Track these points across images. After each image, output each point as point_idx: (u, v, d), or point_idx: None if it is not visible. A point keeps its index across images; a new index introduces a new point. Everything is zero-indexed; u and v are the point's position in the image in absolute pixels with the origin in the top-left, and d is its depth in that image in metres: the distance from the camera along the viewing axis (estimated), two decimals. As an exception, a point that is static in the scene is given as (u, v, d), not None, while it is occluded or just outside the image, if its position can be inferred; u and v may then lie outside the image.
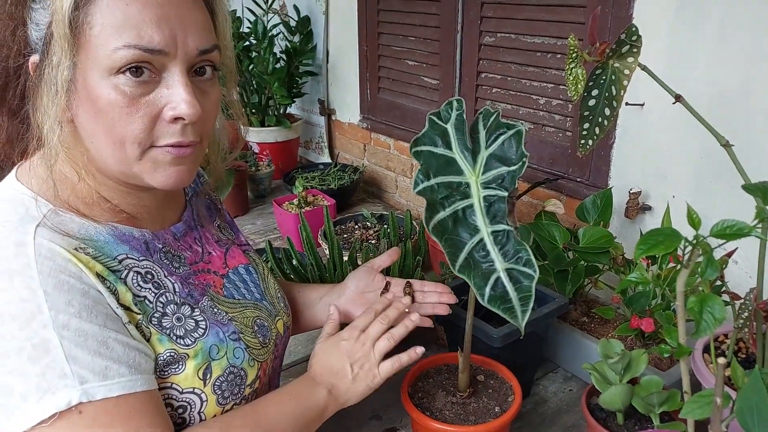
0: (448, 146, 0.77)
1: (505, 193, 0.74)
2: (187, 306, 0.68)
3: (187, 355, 0.65)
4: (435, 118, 0.78)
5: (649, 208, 1.29)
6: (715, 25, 1.10)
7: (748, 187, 0.70)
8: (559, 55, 1.41)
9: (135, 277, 0.64)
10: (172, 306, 0.67)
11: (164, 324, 0.65)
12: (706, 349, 0.89)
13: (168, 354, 0.64)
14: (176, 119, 0.61)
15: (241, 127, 0.81)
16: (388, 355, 0.81)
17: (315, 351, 0.82)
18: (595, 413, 0.86)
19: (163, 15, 0.58)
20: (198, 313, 0.69)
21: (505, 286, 0.71)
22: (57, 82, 0.57)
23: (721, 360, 0.56)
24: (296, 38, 2.28)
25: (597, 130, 0.76)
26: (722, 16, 1.09)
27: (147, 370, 0.61)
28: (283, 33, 2.29)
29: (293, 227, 1.67)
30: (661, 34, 1.18)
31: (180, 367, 0.65)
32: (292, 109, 2.51)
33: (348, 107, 2.25)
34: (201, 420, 0.67)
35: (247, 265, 0.83)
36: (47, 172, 0.62)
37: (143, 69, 0.58)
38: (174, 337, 0.65)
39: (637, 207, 1.28)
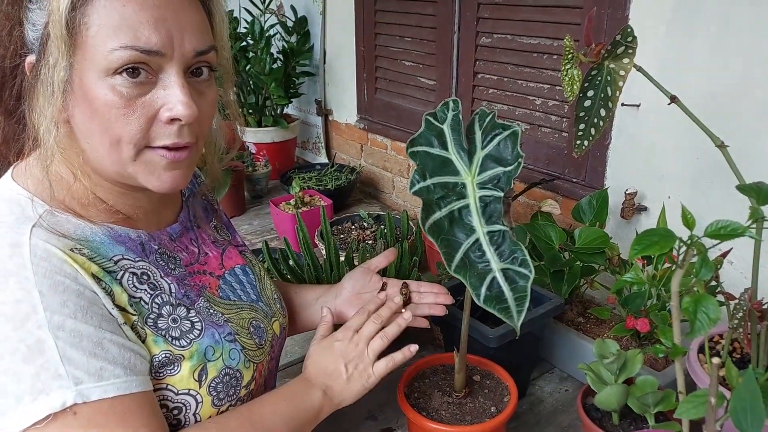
0: (444, 147, 0.77)
1: (501, 194, 0.74)
2: (182, 307, 0.68)
3: (183, 356, 0.65)
4: (431, 119, 0.78)
5: (645, 208, 1.30)
6: (710, 26, 1.11)
7: (743, 188, 0.70)
8: (555, 56, 1.42)
9: (130, 278, 0.64)
10: (167, 307, 0.67)
11: (160, 325, 0.65)
12: (701, 350, 0.90)
13: (163, 355, 0.64)
14: (173, 120, 0.61)
15: (238, 127, 0.81)
16: (382, 355, 0.81)
17: (309, 353, 0.82)
18: (590, 413, 0.87)
19: (160, 16, 0.58)
20: (194, 315, 0.69)
21: (500, 286, 0.71)
22: (53, 82, 0.57)
23: (716, 360, 0.56)
24: (293, 38, 2.28)
25: (593, 130, 0.76)
26: (717, 17, 1.09)
27: (142, 371, 0.61)
28: (280, 33, 2.29)
29: (290, 228, 1.67)
30: (656, 35, 1.19)
31: (175, 368, 0.65)
32: (289, 110, 2.51)
33: (345, 107, 2.25)
34: (196, 421, 0.66)
35: (244, 266, 0.83)
36: (43, 172, 0.62)
37: (140, 70, 0.58)
38: (169, 339, 0.65)
39: (632, 207, 1.28)
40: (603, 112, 0.76)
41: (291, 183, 1.83)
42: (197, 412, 0.66)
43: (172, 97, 0.60)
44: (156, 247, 0.70)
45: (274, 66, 2.21)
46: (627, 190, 1.29)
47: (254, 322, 0.77)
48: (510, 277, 0.71)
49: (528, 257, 0.71)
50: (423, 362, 0.95)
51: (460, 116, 0.78)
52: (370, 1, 1.95)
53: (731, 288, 0.89)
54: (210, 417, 0.67)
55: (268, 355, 0.79)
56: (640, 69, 0.74)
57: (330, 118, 2.37)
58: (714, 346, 0.91)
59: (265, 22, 2.26)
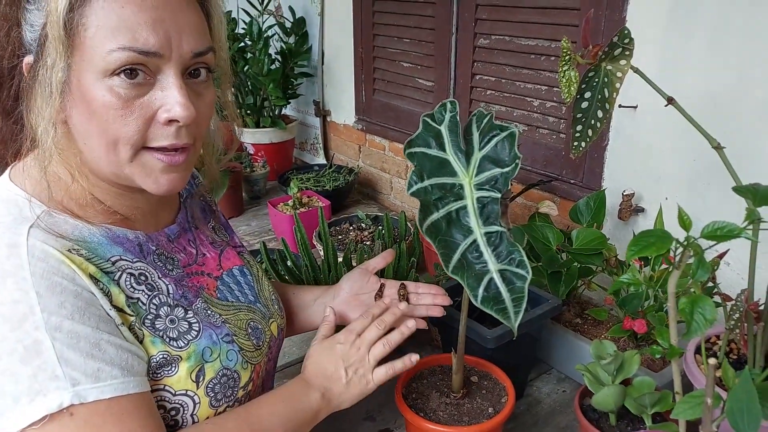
0: (442, 148, 0.77)
1: (498, 195, 0.74)
2: (180, 308, 0.68)
3: (180, 357, 0.65)
4: (429, 120, 0.79)
5: (642, 209, 1.30)
6: (707, 27, 1.11)
7: (739, 189, 0.71)
8: (553, 58, 1.42)
9: (128, 279, 0.64)
10: (165, 308, 0.67)
11: (157, 326, 0.65)
12: (698, 350, 0.90)
13: (161, 356, 0.64)
14: (170, 121, 0.61)
15: (236, 128, 0.81)
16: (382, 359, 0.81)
17: (310, 353, 0.82)
18: (587, 414, 0.87)
19: (158, 17, 0.58)
20: (191, 315, 0.69)
21: (498, 287, 0.71)
22: (51, 83, 0.57)
23: (712, 361, 0.57)
24: (291, 39, 2.28)
25: (590, 132, 0.76)
26: (714, 19, 1.10)
27: (139, 372, 0.61)
28: (278, 34, 2.29)
29: (288, 228, 1.67)
30: (653, 37, 1.19)
31: (173, 369, 0.65)
32: (287, 111, 2.51)
33: (343, 108, 2.25)
34: (194, 422, 0.66)
35: (242, 267, 0.83)
36: (41, 173, 0.62)
37: (138, 71, 0.58)
38: (167, 339, 0.65)
39: (630, 209, 1.29)
40: (600, 114, 0.76)
41: (289, 184, 1.83)
42: (195, 413, 0.66)
43: (169, 98, 0.60)
44: (154, 247, 0.70)
45: (273, 67, 2.21)
46: (624, 191, 1.29)
47: (252, 323, 0.77)
48: (507, 278, 0.71)
49: (525, 258, 0.71)
50: (421, 363, 0.95)
51: (458, 117, 0.78)
52: (369, 2, 1.95)
53: (728, 289, 0.89)
54: (207, 418, 0.67)
55: (266, 356, 0.79)
56: (637, 70, 0.75)
57: (328, 119, 2.37)
58: (711, 347, 0.91)
59: (264, 23, 2.26)
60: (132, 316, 0.63)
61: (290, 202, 1.78)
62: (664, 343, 0.90)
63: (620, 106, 1.27)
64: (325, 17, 2.22)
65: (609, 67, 0.75)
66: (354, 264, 1.16)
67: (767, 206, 0.69)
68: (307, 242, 1.21)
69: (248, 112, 2.26)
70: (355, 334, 0.81)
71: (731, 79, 1.09)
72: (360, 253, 1.19)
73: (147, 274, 0.67)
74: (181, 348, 0.66)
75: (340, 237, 1.63)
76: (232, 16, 2.39)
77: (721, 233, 0.63)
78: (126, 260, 0.65)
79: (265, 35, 2.20)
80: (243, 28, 2.23)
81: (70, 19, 0.56)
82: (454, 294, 0.98)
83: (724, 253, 0.89)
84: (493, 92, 1.60)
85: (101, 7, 0.56)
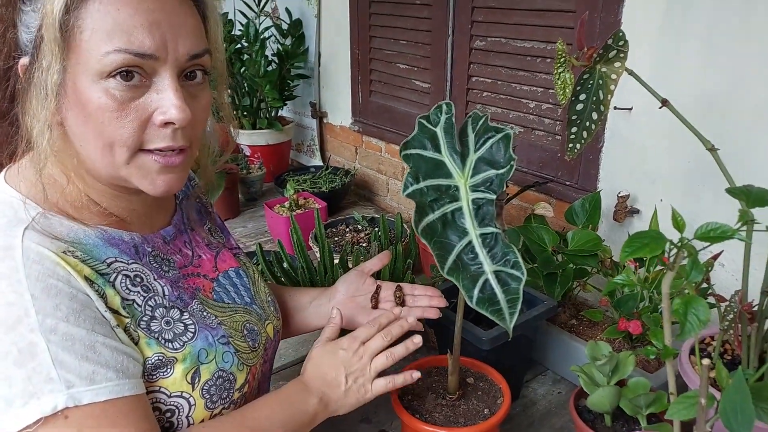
0: (438, 149, 0.78)
1: (494, 196, 0.74)
2: (176, 309, 0.68)
3: (176, 358, 0.65)
4: (424, 122, 0.79)
5: (638, 211, 1.31)
6: (701, 30, 1.12)
7: (732, 191, 0.71)
8: (548, 60, 1.42)
9: (124, 281, 0.64)
10: (160, 309, 0.67)
11: (153, 327, 0.65)
12: (692, 351, 0.90)
13: (156, 358, 0.64)
14: (166, 124, 0.61)
15: (232, 129, 0.81)
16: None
17: (311, 354, 0.81)
18: (583, 415, 0.87)
19: (154, 20, 0.58)
20: (187, 317, 0.69)
21: (493, 288, 0.71)
22: (47, 85, 0.57)
23: (706, 361, 0.57)
24: (288, 41, 2.28)
25: (585, 134, 0.77)
26: (708, 21, 1.10)
27: (135, 375, 0.61)
28: (274, 36, 2.29)
29: (284, 230, 1.67)
30: (648, 40, 1.20)
31: (168, 370, 0.65)
32: (284, 112, 2.51)
33: (340, 110, 2.25)
34: (189, 424, 0.66)
35: (238, 269, 0.83)
36: (36, 175, 0.62)
37: (133, 73, 0.58)
38: (162, 341, 0.65)
39: (625, 210, 1.29)
40: (595, 116, 0.76)
41: (285, 185, 1.83)
42: (190, 414, 0.66)
43: (165, 100, 0.60)
44: (149, 249, 0.70)
45: (269, 68, 2.21)
46: (619, 193, 1.29)
47: (248, 324, 0.77)
48: (502, 279, 0.71)
49: (520, 259, 0.71)
50: (416, 364, 0.95)
51: (453, 119, 0.78)
52: (365, 4, 1.96)
53: (722, 290, 0.89)
54: (203, 420, 0.67)
55: (262, 358, 0.79)
56: (631, 73, 0.75)
57: (324, 121, 2.37)
58: (705, 348, 0.91)
59: (260, 24, 2.26)
60: (127, 317, 0.63)
61: (286, 204, 1.78)
62: (658, 344, 0.90)
63: (615, 108, 1.27)
64: (321, 19, 2.22)
65: (604, 70, 0.75)
66: (350, 266, 1.15)
67: (761, 207, 0.69)
68: (303, 244, 1.21)
69: (245, 113, 2.26)
70: (360, 342, 0.80)
71: (725, 82, 1.10)
72: (356, 255, 1.19)
73: (142, 275, 0.67)
74: (176, 349, 0.66)
75: (336, 239, 1.64)
76: (229, 17, 2.39)
77: (714, 234, 0.64)
78: (121, 262, 0.65)
79: (261, 37, 2.20)
80: (240, 30, 2.23)
81: (65, 21, 0.56)
82: (450, 295, 0.98)
83: (718, 255, 0.89)
84: (489, 94, 1.60)
85: (97, 10, 0.56)
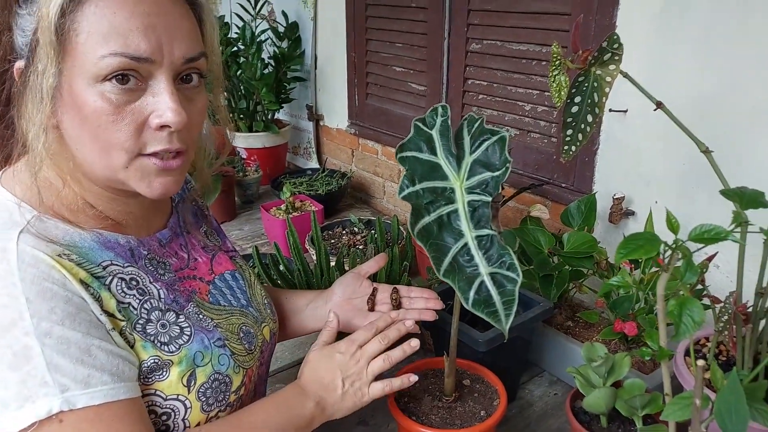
0: (433, 152, 0.78)
1: (489, 198, 0.74)
2: (171, 312, 0.68)
3: (172, 361, 0.65)
4: (420, 124, 0.79)
5: (633, 213, 1.31)
6: (695, 33, 1.13)
7: (726, 193, 0.71)
8: (544, 62, 1.43)
9: (119, 284, 0.64)
10: (156, 312, 0.66)
11: (148, 331, 0.65)
12: (687, 353, 0.91)
13: (152, 361, 0.64)
14: (162, 127, 0.61)
15: (228, 132, 0.81)
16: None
17: (308, 358, 0.81)
18: (579, 416, 0.87)
19: (150, 24, 0.58)
20: (183, 320, 0.69)
21: (489, 290, 0.71)
22: (42, 89, 0.57)
23: (700, 362, 0.57)
24: (284, 44, 2.28)
25: (580, 136, 0.77)
26: (703, 23, 1.11)
27: (130, 378, 0.61)
28: (271, 39, 2.30)
29: (280, 233, 1.67)
30: (642, 42, 1.20)
31: (164, 373, 0.65)
32: (280, 115, 2.51)
33: (336, 113, 2.25)
34: (185, 427, 0.66)
35: (234, 272, 0.83)
36: (32, 178, 0.62)
37: (129, 77, 0.59)
38: (158, 344, 0.65)
39: (620, 212, 1.30)
40: (590, 118, 0.77)
41: (282, 188, 1.83)
42: (186, 417, 0.66)
43: (161, 104, 0.60)
44: (145, 252, 0.70)
45: (265, 71, 2.21)
46: (615, 194, 1.30)
47: (244, 327, 0.77)
48: (498, 281, 0.72)
49: (516, 261, 0.71)
50: (413, 366, 0.95)
51: (449, 122, 0.79)
52: (361, 7, 1.96)
53: (717, 291, 0.90)
54: (199, 423, 0.67)
55: (258, 360, 0.79)
56: (626, 75, 0.75)
57: (321, 123, 2.37)
58: (700, 349, 0.92)
59: (257, 27, 2.26)
60: (123, 320, 0.63)
61: (283, 207, 1.78)
62: (653, 345, 0.91)
63: (610, 110, 1.28)
64: (318, 22, 2.22)
65: (598, 72, 0.76)
66: (347, 268, 1.16)
67: (755, 209, 0.69)
68: (299, 246, 1.21)
69: (241, 116, 2.26)
70: (357, 345, 0.80)
71: (719, 84, 1.11)
72: (352, 257, 1.19)
73: (138, 278, 0.67)
74: (172, 352, 0.65)
75: (332, 241, 1.64)
76: (225, 20, 2.39)
77: (708, 236, 0.64)
78: (117, 265, 0.65)
79: (258, 40, 2.20)
80: (236, 33, 2.24)
81: (61, 25, 0.56)
82: (447, 298, 0.98)
83: (713, 256, 0.90)
84: (485, 96, 1.61)
85: (93, 13, 0.56)
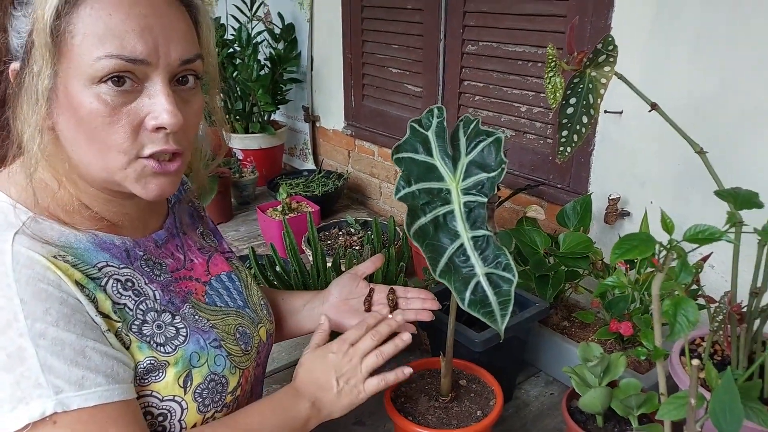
0: (429, 153, 0.78)
1: (485, 199, 0.75)
2: (167, 313, 0.68)
3: (168, 362, 0.65)
4: (416, 126, 0.79)
5: (628, 213, 1.32)
6: (690, 34, 1.13)
7: (721, 193, 0.72)
8: (539, 64, 1.43)
9: (115, 285, 0.64)
10: (152, 313, 0.66)
11: (144, 331, 0.65)
12: (683, 352, 0.91)
13: (148, 362, 0.64)
14: (158, 129, 0.61)
15: (224, 133, 0.81)
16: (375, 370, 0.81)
17: (302, 361, 0.81)
18: (575, 416, 0.87)
19: (146, 25, 0.58)
20: (179, 321, 0.69)
21: (484, 290, 0.72)
22: (37, 90, 0.57)
23: (695, 362, 0.57)
24: (280, 45, 2.28)
25: (575, 137, 0.77)
26: (697, 26, 1.12)
27: (125, 380, 0.61)
28: (267, 40, 2.30)
29: (277, 234, 1.66)
30: (637, 44, 1.21)
31: (160, 374, 0.64)
32: (277, 116, 2.51)
33: (332, 114, 2.25)
34: (182, 428, 0.66)
35: (230, 273, 0.83)
36: (27, 179, 0.61)
37: (125, 78, 0.59)
38: (154, 345, 0.65)
39: (616, 213, 1.30)
40: (585, 119, 0.77)
41: (278, 189, 1.83)
42: (182, 418, 0.66)
43: (157, 105, 0.60)
44: (141, 253, 0.70)
45: (262, 73, 2.21)
46: (610, 195, 1.30)
47: (240, 328, 0.77)
48: (494, 282, 0.72)
49: (511, 261, 0.72)
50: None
51: (445, 123, 0.79)
52: (357, 9, 1.96)
53: (712, 292, 0.90)
54: (195, 424, 0.67)
55: (254, 361, 0.79)
56: (621, 77, 0.76)
57: (317, 125, 2.37)
58: (695, 349, 0.92)
59: (253, 29, 2.26)
60: (118, 322, 0.63)
61: (279, 208, 1.78)
62: (649, 345, 0.91)
63: (606, 111, 1.28)
64: (314, 23, 2.22)
65: (594, 74, 0.76)
66: (343, 269, 1.16)
67: (749, 210, 0.70)
68: (296, 247, 1.21)
69: (237, 117, 2.26)
70: (349, 344, 0.80)
71: (714, 85, 1.11)
72: (349, 258, 1.19)
73: (134, 279, 0.67)
74: (168, 353, 0.65)
75: (329, 242, 1.64)
76: (221, 22, 2.39)
77: (703, 236, 0.64)
78: (112, 266, 0.65)
79: (254, 41, 2.20)
80: (232, 34, 2.23)
81: (56, 27, 0.56)
82: (443, 298, 0.98)
83: (708, 256, 0.90)
84: (481, 98, 1.61)
85: (88, 15, 0.56)
